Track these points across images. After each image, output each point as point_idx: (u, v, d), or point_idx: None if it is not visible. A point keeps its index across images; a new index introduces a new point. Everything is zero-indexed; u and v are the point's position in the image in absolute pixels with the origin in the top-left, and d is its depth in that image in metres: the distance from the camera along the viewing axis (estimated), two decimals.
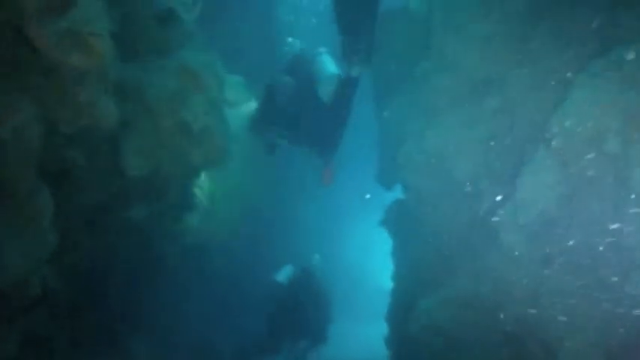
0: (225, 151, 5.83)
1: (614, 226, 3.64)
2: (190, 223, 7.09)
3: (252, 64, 8.28)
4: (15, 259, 3.46)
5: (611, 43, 3.98)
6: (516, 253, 4.17)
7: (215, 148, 5.68)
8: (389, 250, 7.99)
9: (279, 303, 7.52)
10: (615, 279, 3.64)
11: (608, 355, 3.67)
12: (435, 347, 5.02)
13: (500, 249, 4.42)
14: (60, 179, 4.42)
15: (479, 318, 4.78)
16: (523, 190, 4.17)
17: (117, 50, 4.42)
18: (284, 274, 7.93)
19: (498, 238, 4.39)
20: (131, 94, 5.04)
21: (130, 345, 6.18)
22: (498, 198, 4.57)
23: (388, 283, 7.79)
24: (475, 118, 5.28)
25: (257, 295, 8.35)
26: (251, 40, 8.91)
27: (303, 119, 6.66)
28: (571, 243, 3.76)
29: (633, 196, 3.58)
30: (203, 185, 7.36)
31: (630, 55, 3.75)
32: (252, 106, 7.54)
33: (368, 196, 14.00)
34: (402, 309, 6.04)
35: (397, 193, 7.59)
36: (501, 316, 4.34)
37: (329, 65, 6.76)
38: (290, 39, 8.38)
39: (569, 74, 4.09)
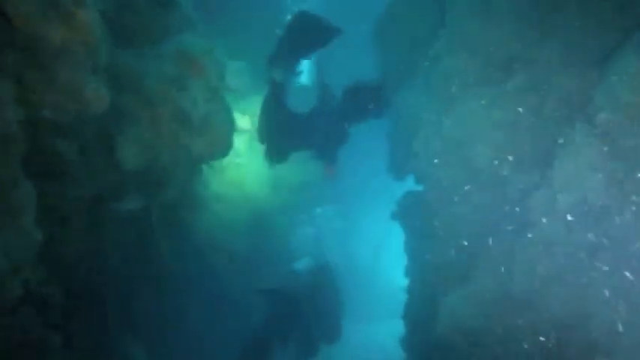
0: (228, 140, 5.50)
1: None
2: (192, 221, 6.89)
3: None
4: None
5: None
6: (556, 244, 3.73)
7: (217, 137, 5.37)
8: (394, 245, 7.78)
9: (293, 291, 7.42)
10: None
11: None
12: (462, 348, 4.61)
13: (535, 240, 4.00)
14: (51, 172, 4.12)
15: (509, 317, 4.37)
16: (562, 173, 3.74)
17: (111, 36, 4.14)
18: (302, 264, 8.10)
19: (533, 227, 3.96)
20: (126, 81, 4.76)
21: (127, 347, 5.94)
22: (531, 184, 4.14)
23: (400, 280, 7.55)
24: (497, 100, 4.89)
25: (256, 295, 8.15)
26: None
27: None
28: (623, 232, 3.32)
29: None
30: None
31: None
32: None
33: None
34: (422, 307, 5.64)
35: (409, 183, 7.23)
36: (538, 315, 3.92)
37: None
38: None
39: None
